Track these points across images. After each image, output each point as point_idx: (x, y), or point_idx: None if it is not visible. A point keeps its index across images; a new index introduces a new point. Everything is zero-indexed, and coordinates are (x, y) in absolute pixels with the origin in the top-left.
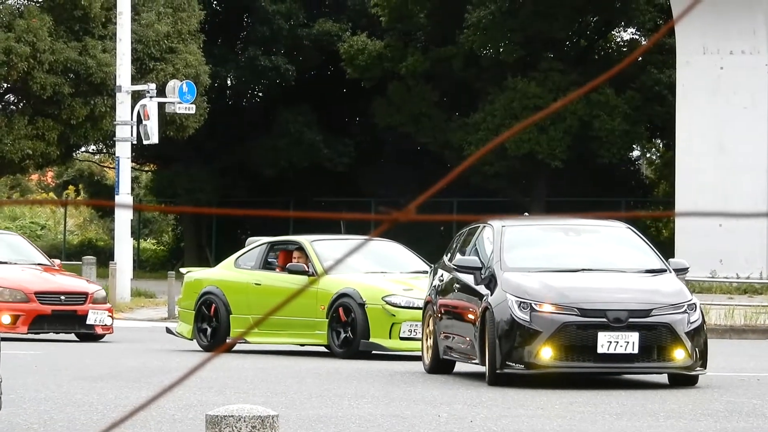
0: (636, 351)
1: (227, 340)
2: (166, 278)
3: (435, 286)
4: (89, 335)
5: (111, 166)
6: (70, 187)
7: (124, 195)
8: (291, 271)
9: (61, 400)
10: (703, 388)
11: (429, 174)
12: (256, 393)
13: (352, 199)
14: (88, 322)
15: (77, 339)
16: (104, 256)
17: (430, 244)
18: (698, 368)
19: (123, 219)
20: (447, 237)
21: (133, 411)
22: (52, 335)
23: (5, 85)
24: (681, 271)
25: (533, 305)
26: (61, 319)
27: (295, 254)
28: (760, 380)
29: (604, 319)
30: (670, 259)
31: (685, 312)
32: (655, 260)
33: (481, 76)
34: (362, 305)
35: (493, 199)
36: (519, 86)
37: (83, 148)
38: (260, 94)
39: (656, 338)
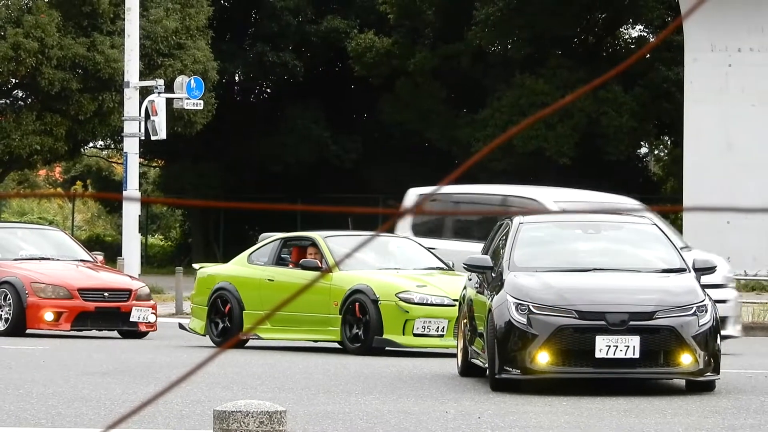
0: (637, 355)
1: (240, 338)
2: (174, 274)
3: (466, 285)
4: (132, 332)
5: (119, 161)
6: (78, 182)
7: (131, 190)
8: (304, 267)
9: (69, 395)
10: None
11: (436, 171)
12: (264, 389)
13: (359, 195)
14: (131, 320)
15: (120, 336)
16: (112, 252)
17: None
18: (709, 374)
19: (131, 214)
20: None
21: (140, 405)
22: (94, 332)
23: (13, 80)
24: (707, 270)
25: (531, 307)
26: (104, 316)
27: (310, 250)
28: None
29: (603, 322)
30: (696, 258)
31: (693, 314)
32: (676, 259)
33: (489, 73)
34: (375, 301)
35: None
36: (527, 83)
37: (91, 144)
38: (268, 90)
39: (660, 342)
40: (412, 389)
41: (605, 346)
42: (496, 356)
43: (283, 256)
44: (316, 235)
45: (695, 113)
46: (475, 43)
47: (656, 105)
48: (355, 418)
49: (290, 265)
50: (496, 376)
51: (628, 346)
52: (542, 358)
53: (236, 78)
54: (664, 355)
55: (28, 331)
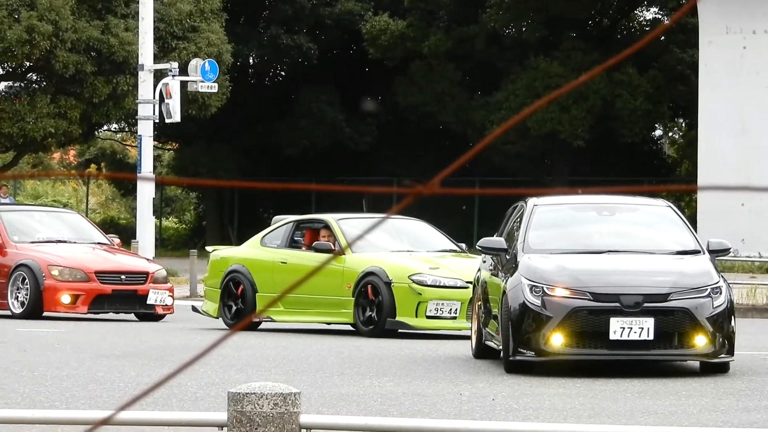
0: (651, 337)
1: (252, 319)
2: (188, 257)
3: (480, 268)
4: (149, 315)
5: (133, 144)
6: (92, 165)
7: (146, 173)
8: (317, 250)
9: (84, 378)
10: None
11: (451, 153)
12: (278, 371)
13: (373, 178)
14: (148, 302)
15: (137, 319)
16: (126, 235)
17: (452, 222)
18: (723, 355)
19: (145, 197)
20: (469, 215)
21: (151, 387)
22: (111, 315)
23: (28, 63)
24: (721, 252)
25: (545, 289)
26: (121, 299)
27: (323, 233)
28: None
29: (617, 304)
30: (711, 240)
31: (708, 296)
32: (690, 241)
33: (504, 56)
34: (388, 284)
35: (515, 179)
36: (541, 66)
37: (105, 127)
38: (282, 73)
39: (674, 324)
40: (426, 371)
41: (619, 328)
42: (511, 338)
43: (296, 238)
44: (329, 217)
45: (710, 96)
46: (489, 25)
47: (671, 87)
48: (369, 401)
49: (303, 248)
50: (510, 358)
51: (643, 328)
52: (556, 340)
53: (250, 61)
54: (678, 337)
55: (45, 313)
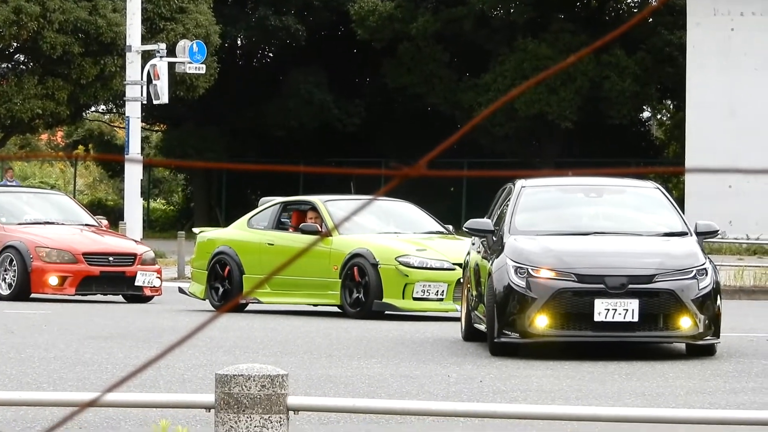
0: (636, 319)
1: (239, 300)
2: (176, 238)
3: (470, 251)
4: (137, 297)
5: (121, 125)
6: (80, 146)
7: (134, 155)
8: (304, 231)
9: (71, 359)
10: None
11: (439, 135)
12: (266, 353)
13: (362, 160)
14: (136, 284)
15: (125, 300)
16: (114, 216)
17: (441, 204)
18: (709, 337)
19: (133, 178)
20: (457, 197)
21: (137, 369)
22: (99, 297)
23: (15, 44)
24: (709, 234)
25: (530, 270)
26: (109, 281)
27: (310, 214)
28: None
29: (602, 285)
30: (699, 222)
31: (694, 278)
32: (678, 223)
33: (492, 37)
34: (375, 265)
35: (503, 160)
36: (529, 47)
37: (93, 108)
38: (270, 55)
39: (659, 305)
40: (414, 353)
41: (604, 310)
42: (496, 320)
43: (283, 220)
44: (316, 199)
45: (698, 77)
46: (477, 6)
47: (659, 69)
48: (356, 382)
49: (290, 230)
50: (495, 340)
51: (627, 310)
52: (541, 322)
53: (238, 42)
54: (663, 319)
55: (33, 295)
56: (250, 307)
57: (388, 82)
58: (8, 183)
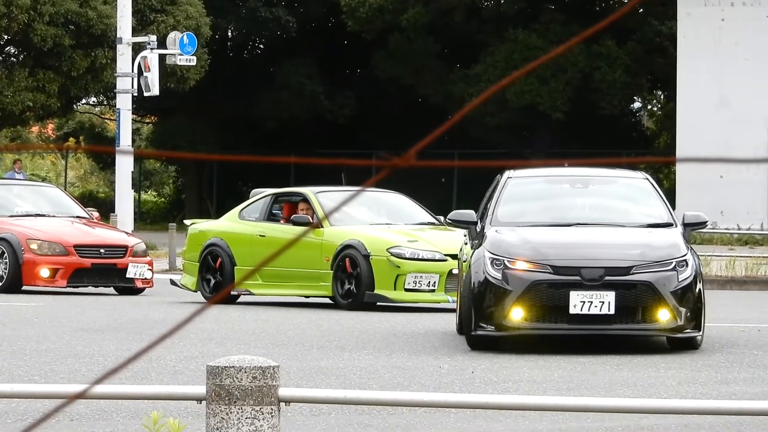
0: (612, 311)
1: (231, 292)
2: (167, 230)
3: (464, 242)
4: (129, 289)
5: (112, 118)
6: (71, 139)
7: (125, 147)
8: (296, 223)
9: (62, 352)
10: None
11: (430, 126)
12: (257, 344)
13: (353, 151)
14: (128, 276)
15: (116, 293)
16: (105, 208)
17: (432, 195)
18: (689, 330)
19: (124, 171)
20: (448, 188)
21: (129, 359)
22: (91, 289)
23: (6, 36)
24: (698, 225)
25: (506, 262)
26: (100, 273)
27: (301, 206)
28: (761, 331)
29: (578, 277)
30: (687, 213)
31: (673, 269)
32: (664, 213)
33: (483, 28)
34: (367, 257)
35: (494, 151)
36: (520, 38)
37: (84, 100)
38: (261, 46)
39: (636, 298)
40: (406, 344)
41: (579, 302)
42: (473, 312)
43: (274, 211)
44: (307, 190)
45: (688, 68)
46: None
47: (649, 59)
48: (348, 374)
49: (281, 221)
50: (472, 333)
51: (603, 302)
52: (516, 314)
53: (229, 34)
54: (641, 312)
55: (24, 287)
56: (241, 298)
57: (379, 73)
58: (16, 174)
